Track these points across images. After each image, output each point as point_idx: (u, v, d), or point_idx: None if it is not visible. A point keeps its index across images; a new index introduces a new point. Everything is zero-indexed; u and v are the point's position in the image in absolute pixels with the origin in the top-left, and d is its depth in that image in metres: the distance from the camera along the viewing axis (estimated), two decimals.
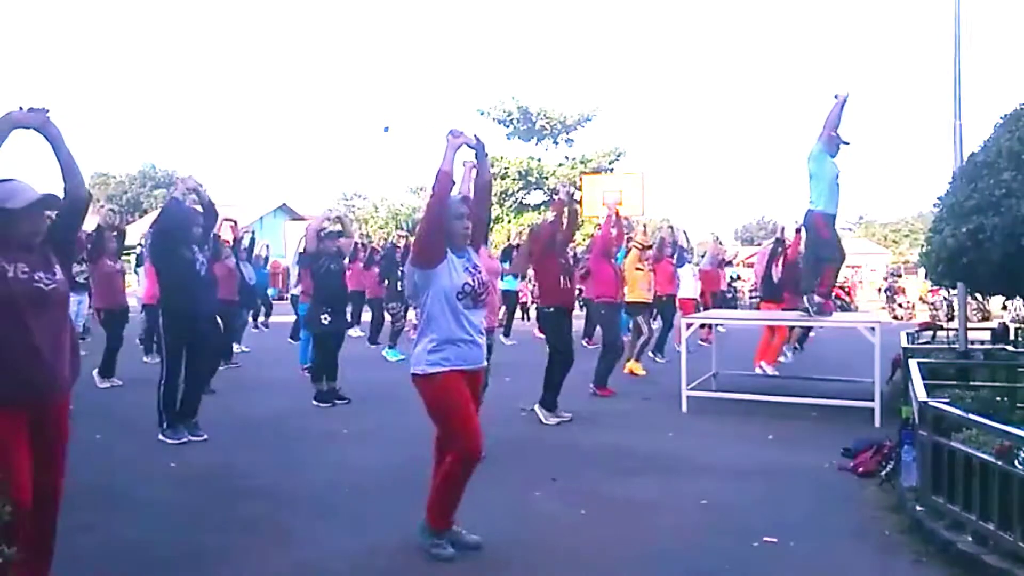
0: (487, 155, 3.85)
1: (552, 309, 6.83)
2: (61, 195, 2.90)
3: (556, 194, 7.20)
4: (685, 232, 12.57)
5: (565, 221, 6.79)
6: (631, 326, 9.85)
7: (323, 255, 7.42)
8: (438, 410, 3.55)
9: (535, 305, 11.26)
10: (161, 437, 5.77)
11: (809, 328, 10.68)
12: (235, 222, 10.20)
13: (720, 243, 14.17)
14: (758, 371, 8.67)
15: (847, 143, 6.96)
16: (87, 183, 3.08)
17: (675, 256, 11.15)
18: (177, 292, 5.87)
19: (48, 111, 2.86)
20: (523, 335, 12.82)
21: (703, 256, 13.86)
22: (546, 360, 6.82)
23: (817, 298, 7.13)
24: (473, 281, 3.54)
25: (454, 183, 3.61)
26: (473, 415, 3.55)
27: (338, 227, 8.03)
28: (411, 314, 11.31)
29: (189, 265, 5.88)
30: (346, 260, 8.11)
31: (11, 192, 2.74)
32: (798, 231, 9.34)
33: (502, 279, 12.70)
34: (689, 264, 11.86)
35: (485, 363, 3.68)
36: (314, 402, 7.30)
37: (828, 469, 5.09)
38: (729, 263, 15.70)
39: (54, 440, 2.84)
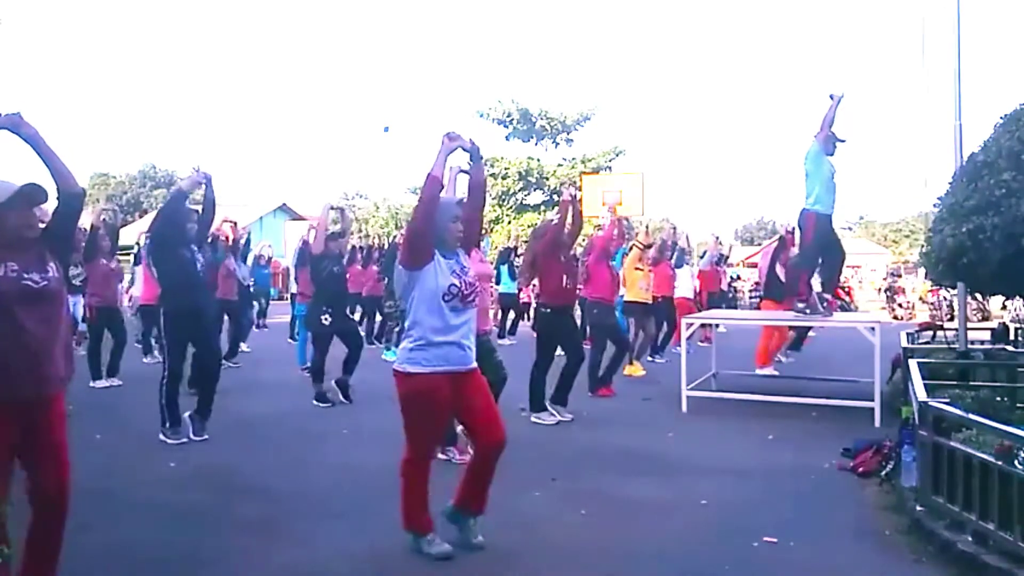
0: (481, 158, 3.87)
1: (549, 310, 6.82)
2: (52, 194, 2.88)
3: (560, 194, 7.23)
4: (687, 235, 12.57)
5: (570, 221, 6.80)
6: (629, 327, 9.83)
7: (326, 257, 7.43)
8: (406, 410, 3.59)
9: (535, 303, 11.25)
10: (162, 437, 5.77)
11: (806, 331, 10.68)
12: (235, 223, 10.21)
13: (720, 243, 14.17)
14: (761, 372, 8.68)
15: (843, 140, 6.98)
16: (87, 183, 3.07)
17: (674, 257, 11.15)
18: (178, 292, 5.86)
19: (20, 113, 2.82)
20: (523, 335, 12.80)
21: (702, 257, 13.86)
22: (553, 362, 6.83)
23: (801, 301, 7.26)
24: (460, 283, 3.55)
25: (443, 187, 3.62)
26: (437, 428, 3.65)
27: (338, 226, 8.03)
28: None
29: (189, 264, 5.88)
30: (345, 261, 8.12)
31: None
32: (790, 232, 9.48)
33: (498, 282, 12.72)
34: (688, 266, 11.86)
35: (474, 364, 3.68)
36: (314, 402, 7.30)
37: (828, 469, 5.09)
38: (726, 258, 15.67)
39: (50, 440, 2.83)
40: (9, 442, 2.72)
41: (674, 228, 12.14)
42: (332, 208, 7.99)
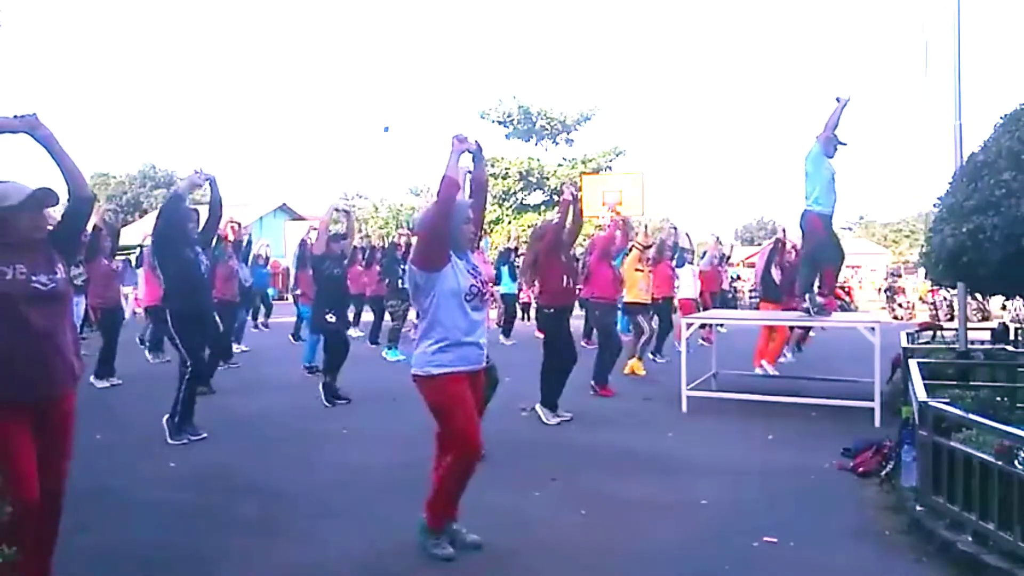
0: (483, 157, 3.96)
1: (552, 309, 6.82)
2: (64, 197, 2.91)
3: (560, 193, 7.22)
4: (687, 234, 12.57)
5: (570, 220, 6.81)
6: (631, 326, 9.84)
7: (328, 258, 7.43)
8: (440, 411, 3.58)
9: (536, 303, 11.26)
10: (165, 422, 5.75)
11: (808, 329, 10.69)
12: (238, 224, 10.21)
13: (720, 243, 14.16)
14: (758, 371, 8.67)
15: (844, 144, 6.98)
16: (87, 183, 3.08)
17: (675, 257, 11.14)
18: (183, 293, 5.87)
19: (37, 115, 2.85)
20: (523, 335, 12.81)
21: (703, 257, 13.85)
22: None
23: (819, 298, 7.16)
24: (477, 283, 3.60)
25: (459, 188, 3.65)
26: (474, 415, 3.60)
27: (340, 226, 8.02)
28: (411, 313, 11.32)
29: (193, 266, 5.89)
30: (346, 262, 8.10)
31: (4, 193, 2.75)
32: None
33: (498, 282, 12.72)
34: (689, 265, 11.86)
35: (486, 363, 3.72)
36: (322, 392, 7.31)
37: (828, 469, 5.09)
38: (727, 258, 15.68)
39: (57, 439, 2.85)
40: (25, 439, 2.72)
41: (675, 228, 12.12)
42: (337, 210, 7.99)
